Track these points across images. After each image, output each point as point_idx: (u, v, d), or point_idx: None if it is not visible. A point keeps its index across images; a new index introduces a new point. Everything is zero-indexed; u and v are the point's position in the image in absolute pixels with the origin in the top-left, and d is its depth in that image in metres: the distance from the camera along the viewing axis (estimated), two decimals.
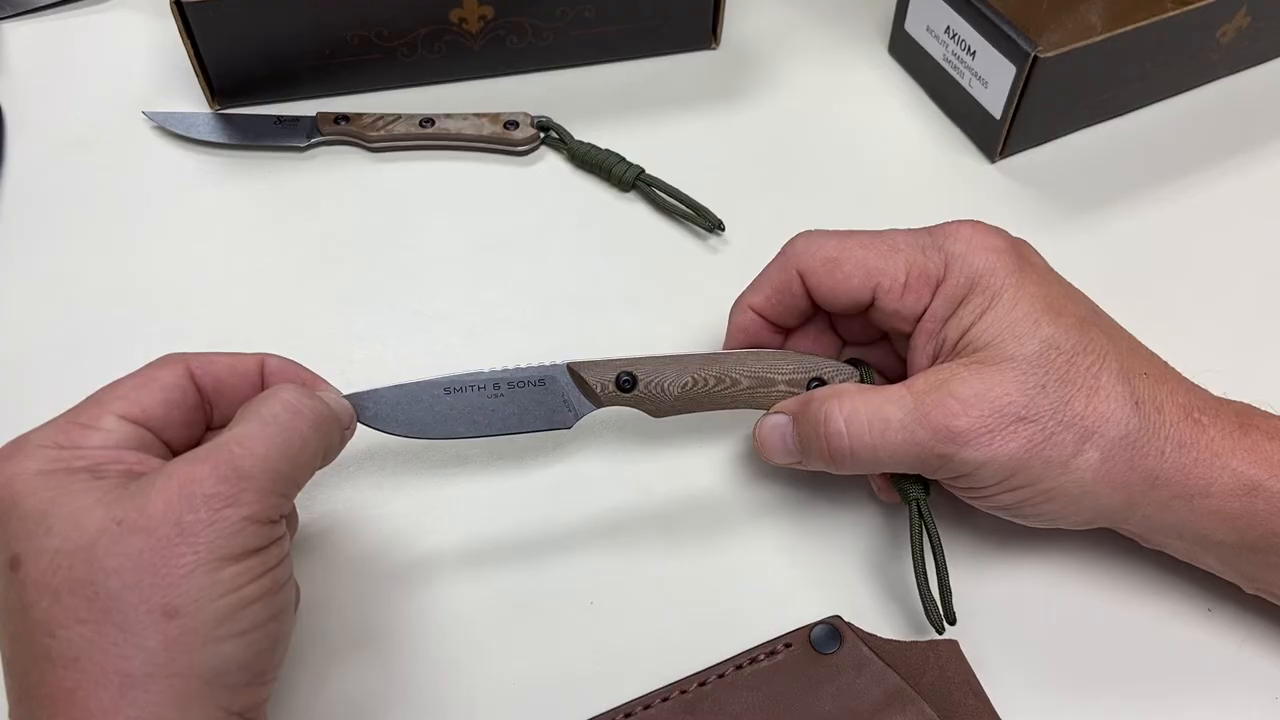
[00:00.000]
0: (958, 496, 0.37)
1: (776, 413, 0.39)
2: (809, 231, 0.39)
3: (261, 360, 0.35)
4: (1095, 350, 0.35)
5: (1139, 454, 0.34)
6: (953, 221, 0.38)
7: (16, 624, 0.28)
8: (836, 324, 0.41)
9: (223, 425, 0.33)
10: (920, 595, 0.37)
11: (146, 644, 0.28)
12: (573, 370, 0.38)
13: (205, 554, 0.28)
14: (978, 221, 0.38)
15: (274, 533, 0.31)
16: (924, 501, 0.38)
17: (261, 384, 0.35)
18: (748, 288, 0.41)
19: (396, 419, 0.37)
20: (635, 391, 0.38)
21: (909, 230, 0.38)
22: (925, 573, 0.37)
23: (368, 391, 0.36)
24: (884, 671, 0.36)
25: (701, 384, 0.38)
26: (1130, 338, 0.37)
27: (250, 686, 0.30)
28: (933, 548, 0.37)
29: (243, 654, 0.29)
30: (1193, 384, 0.37)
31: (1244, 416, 0.36)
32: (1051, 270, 0.38)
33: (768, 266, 0.40)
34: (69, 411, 0.32)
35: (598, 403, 0.39)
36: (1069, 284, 0.38)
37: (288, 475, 0.31)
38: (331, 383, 0.36)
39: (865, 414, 0.35)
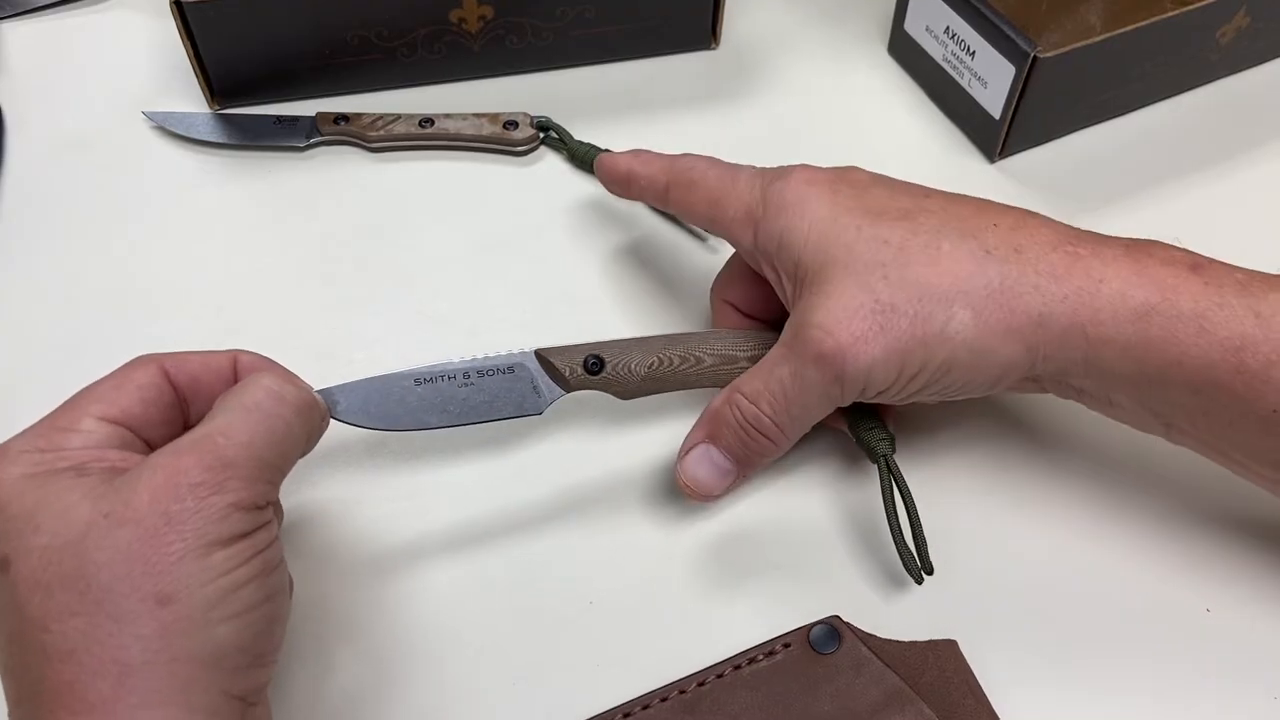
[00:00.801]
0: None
1: (688, 450, 0.39)
2: (708, 158, 0.42)
3: (234, 356, 0.35)
4: (925, 228, 0.36)
5: (1011, 296, 0.34)
6: (791, 165, 0.39)
7: (11, 624, 0.29)
8: None
9: (199, 423, 0.33)
10: (896, 548, 0.37)
11: (141, 632, 0.28)
12: (541, 356, 0.38)
13: (193, 540, 0.29)
14: (810, 165, 0.39)
15: (261, 518, 0.31)
16: (891, 456, 0.38)
17: (235, 379, 0.35)
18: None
19: (368, 412, 0.37)
20: (603, 374, 0.39)
21: (759, 169, 0.40)
22: (899, 528, 0.37)
23: (338, 386, 0.36)
24: (883, 672, 0.36)
25: (667, 364, 0.39)
26: (980, 204, 0.37)
27: (250, 669, 0.30)
28: (904, 500, 0.38)
29: (239, 636, 0.29)
30: (1069, 226, 0.37)
31: (1136, 246, 0.35)
32: (877, 180, 0.39)
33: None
34: (47, 417, 0.32)
35: (567, 387, 0.39)
36: (897, 184, 0.38)
37: (272, 462, 0.31)
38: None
39: (764, 385, 0.36)
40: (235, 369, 0.35)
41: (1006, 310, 0.34)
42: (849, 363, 0.34)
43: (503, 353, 0.38)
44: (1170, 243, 0.36)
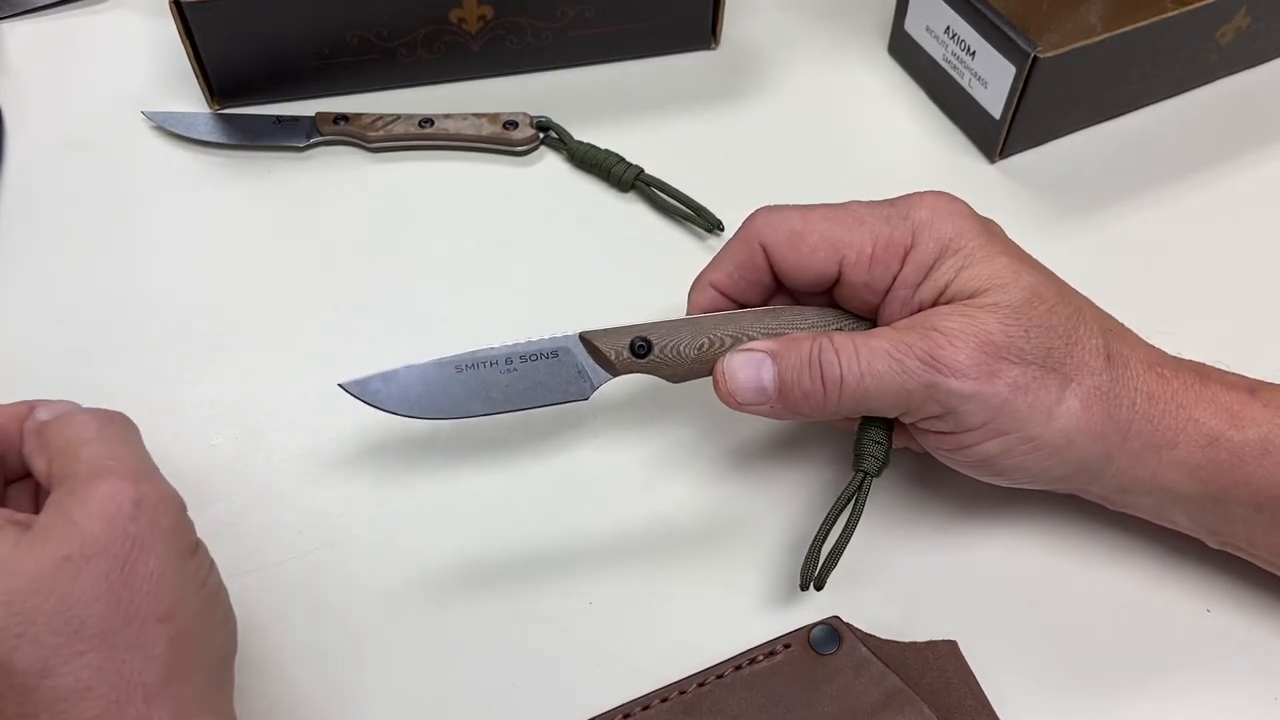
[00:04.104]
0: (935, 455, 0.37)
1: (749, 350, 0.37)
2: (769, 206, 0.39)
3: (29, 406, 0.35)
4: (1073, 302, 0.36)
5: (1114, 404, 0.35)
6: (915, 192, 0.38)
7: None
8: (801, 303, 0.40)
9: (16, 477, 0.34)
10: (809, 550, 0.37)
11: (154, 651, 0.28)
12: (586, 339, 0.38)
13: (164, 552, 0.30)
14: (940, 191, 0.38)
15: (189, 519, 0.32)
16: (871, 477, 0.38)
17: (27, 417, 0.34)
18: (708, 265, 0.40)
19: (408, 400, 0.37)
20: (650, 357, 0.38)
21: (871, 202, 0.38)
22: (825, 535, 0.37)
23: (378, 374, 0.36)
24: (883, 672, 0.36)
25: (718, 344, 0.38)
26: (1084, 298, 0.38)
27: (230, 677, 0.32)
28: (848, 522, 0.37)
29: (230, 641, 0.32)
30: (1149, 343, 0.38)
31: (1201, 371, 0.37)
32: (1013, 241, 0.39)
33: (729, 243, 0.40)
34: None
35: (613, 371, 0.38)
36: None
37: (150, 463, 0.33)
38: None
39: (854, 345, 0.35)
40: (31, 414, 0.34)
41: (1105, 415, 0.35)
42: (954, 379, 0.34)
43: (545, 336, 0.38)
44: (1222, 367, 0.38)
